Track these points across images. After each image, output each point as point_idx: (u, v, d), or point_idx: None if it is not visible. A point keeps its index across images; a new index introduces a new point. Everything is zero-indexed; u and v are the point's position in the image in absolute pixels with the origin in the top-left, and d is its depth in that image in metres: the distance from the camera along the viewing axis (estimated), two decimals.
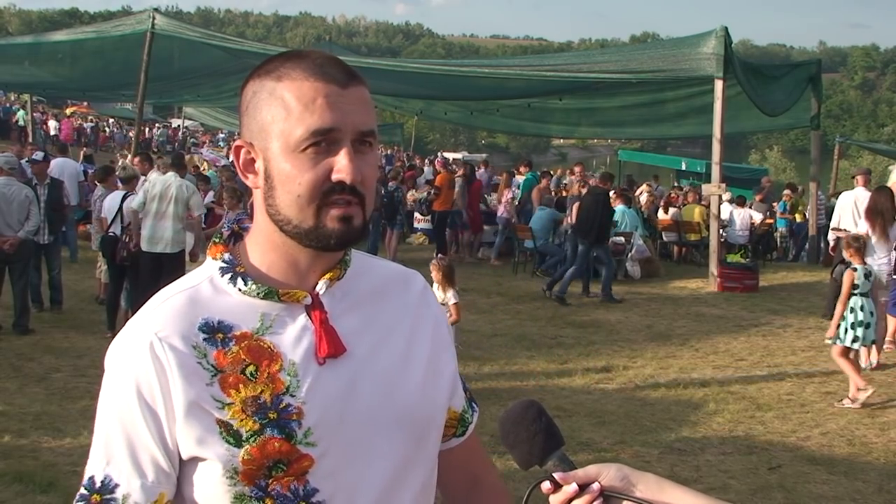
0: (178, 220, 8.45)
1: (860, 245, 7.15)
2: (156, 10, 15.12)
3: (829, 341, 7.17)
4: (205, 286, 1.24)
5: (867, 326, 6.86)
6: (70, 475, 4.97)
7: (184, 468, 1.20)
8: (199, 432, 1.16)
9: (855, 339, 6.85)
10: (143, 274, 8.38)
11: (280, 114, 1.18)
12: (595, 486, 1.17)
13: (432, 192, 15.22)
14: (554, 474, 1.19)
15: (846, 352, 6.92)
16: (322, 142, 1.17)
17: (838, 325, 6.91)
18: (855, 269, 6.94)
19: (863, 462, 5.81)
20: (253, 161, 1.23)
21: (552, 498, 1.19)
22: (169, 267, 8.10)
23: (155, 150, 28.96)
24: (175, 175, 8.68)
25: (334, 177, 1.18)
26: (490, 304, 11.17)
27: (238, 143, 1.25)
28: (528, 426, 1.21)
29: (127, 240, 8.49)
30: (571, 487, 1.17)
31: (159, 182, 8.57)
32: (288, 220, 1.20)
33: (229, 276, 1.24)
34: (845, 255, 7.35)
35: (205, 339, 1.19)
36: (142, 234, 8.40)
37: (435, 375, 1.34)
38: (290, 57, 1.22)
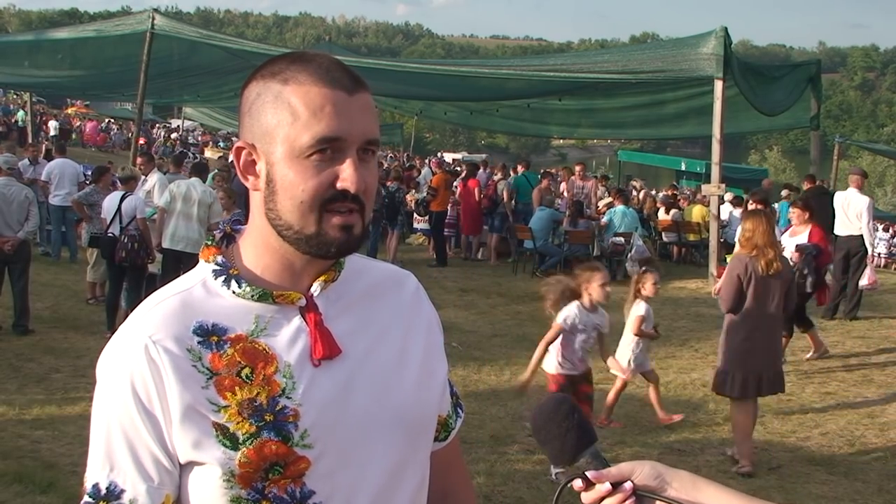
0: (201, 224, 8.81)
1: None
2: (155, 10, 15.10)
3: None
4: (197, 289, 1.23)
5: None
6: (70, 475, 4.97)
7: (181, 473, 1.19)
8: (196, 436, 1.16)
9: None
10: (166, 270, 8.68)
11: (286, 118, 1.17)
12: (628, 484, 1.16)
13: (429, 192, 15.26)
14: (586, 472, 1.17)
15: None
16: (328, 149, 1.17)
17: None
18: None
19: (863, 462, 5.81)
20: (254, 163, 1.22)
21: (584, 496, 1.18)
22: (187, 266, 8.22)
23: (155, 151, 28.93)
24: (199, 181, 9.09)
25: (339, 185, 1.17)
26: (490, 304, 11.16)
27: (239, 144, 1.23)
28: (560, 422, 1.20)
29: (125, 240, 8.50)
30: (604, 486, 1.16)
31: (184, 183, 8.98)
32: (289, 225, 1.19)
33: (223, 278, 1.23)
34: None
35: (199, 342, 1.18)
36: (164, 231, 8.73)
37: (428, 376, 1.34)
38: (296, 59, 1.21)
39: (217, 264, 1.25)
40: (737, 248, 6.61)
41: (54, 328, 8.85)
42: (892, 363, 8.41)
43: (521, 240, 14.03)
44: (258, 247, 1.25)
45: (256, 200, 1.23)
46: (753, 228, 5.55)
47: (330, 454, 1.19)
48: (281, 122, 1.17)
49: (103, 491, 1.17)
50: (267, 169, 1.20)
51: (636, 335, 6.27)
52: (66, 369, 7.35)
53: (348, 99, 1.18)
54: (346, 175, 1.17)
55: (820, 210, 12.15)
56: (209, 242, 1.29)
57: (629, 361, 6.26)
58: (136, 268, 8.65)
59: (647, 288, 6.28)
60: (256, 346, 1.20)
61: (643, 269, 6.56)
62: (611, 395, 6.40)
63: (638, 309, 6.27)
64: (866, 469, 5.67)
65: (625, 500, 1.15)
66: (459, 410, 1.48)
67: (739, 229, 6.17)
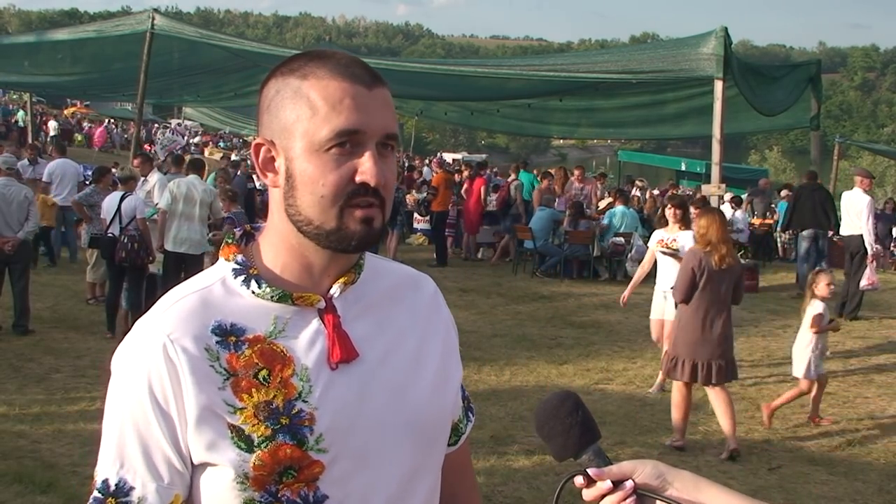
0: (203, 223, 8.78)
1: None
2: (155, 10, 15.09)
3: None
4: (217, 287, 1.22)
5: None
6: (70, 475, 4.97)
7: (194, 473, 1.19)
8: (211, 437, 1.15)
9: None
10: (168, 272, 8.69)
11: (305, 113, 1.17)
12: (629, 483, 1.16)
13: (429, 192, 15.28)
14: (588, 469, 1.17)
15: None
16: (347, 143, 1.16)
17: None
18: None
19: (863, 462, 5.82)
20: (273, 160, 1.22)
21: (585, 493, 1.18)
22: (191, 268, 8.28)
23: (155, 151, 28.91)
24: (197, 178, 9.02)
25: (359, 179, 1.16)
26: (490, 304, 11.17)
27: (258, 140, 1.23)
28: (563, 419, 1.20)
29: (125, 240, 8.49)
30: (605, 484, 1.16)
31: (183, 183, 8.88)
32: (309, 220, 1.18)
33: (242, 277, 1.22)
34: None
35: (217, 342, 1.17)
36: (167, 233, 8.70)
37: (444, 381, 1.33)
38: (314, 56, 1.21)
39: (237, 263, 1.24)
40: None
41: (54, 328, 8.86)
42: (892, 363, 8.41)
43: (521, 240, 14.05)
44: (277, 245, 1.24)
45: (276, 197, 1.23)
46: (707, 226, 5.96)
47: (344, 459, 1.19)
48: (300, 117, 1.17)
49: (113, 487, 1.17)
50: (286, 165, 1.19)
51: (816, 332, 6.50)
52: (66, 369, 7.35)
53: (367, 93, 1.18)
54: (366, 168, 1.16)
55: (807, 204, 12.29)
56: (229, 240, 1.28)
57: (808, 363, 6.45)
58: (136, 268, 8.65)
59: (821, 288, 6.56)
60: (274, 347, 1.19)
61: (816, 270, 6.94)
62: (781, 400, 6.61)
63: (815, 308, 6.49)
64: (866, 469, 5.68)
65: (625, 499, 1.15)
66: (470, 415, 1.47)
67: (694, 226, 6.56)
